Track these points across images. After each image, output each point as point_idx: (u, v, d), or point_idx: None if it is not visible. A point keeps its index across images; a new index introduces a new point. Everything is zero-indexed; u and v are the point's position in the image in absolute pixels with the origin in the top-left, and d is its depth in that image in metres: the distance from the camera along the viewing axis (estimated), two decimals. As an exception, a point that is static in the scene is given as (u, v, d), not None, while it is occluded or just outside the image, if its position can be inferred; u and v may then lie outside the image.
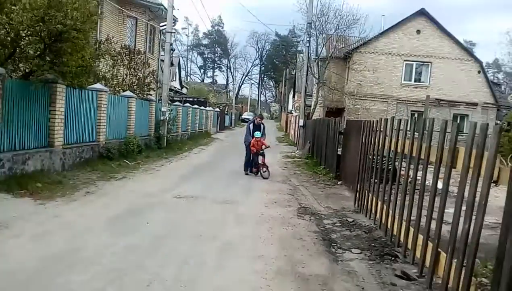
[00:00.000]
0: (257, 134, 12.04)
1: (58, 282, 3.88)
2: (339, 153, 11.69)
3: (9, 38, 8.28)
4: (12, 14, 7.92)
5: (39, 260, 4.42)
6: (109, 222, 6.10)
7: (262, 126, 12.50)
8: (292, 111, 37.69)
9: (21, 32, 8.26)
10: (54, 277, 3.99)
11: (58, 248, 4.84)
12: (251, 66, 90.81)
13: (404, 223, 5.28)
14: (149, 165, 12.44)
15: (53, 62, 8.78)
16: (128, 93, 14.65)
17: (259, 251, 5.21)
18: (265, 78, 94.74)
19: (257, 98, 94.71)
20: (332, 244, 5.71)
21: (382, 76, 24.85)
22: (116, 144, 12.64)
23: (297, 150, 21.99)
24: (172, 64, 19.33)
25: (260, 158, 11.84)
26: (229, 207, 7.64)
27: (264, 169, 11.73)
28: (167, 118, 17.44)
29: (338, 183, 11.13)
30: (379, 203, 6.49)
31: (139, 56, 18.01)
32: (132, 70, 17.19)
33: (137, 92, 16.52)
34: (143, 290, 3.85)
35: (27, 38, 8.48)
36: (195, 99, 34.20)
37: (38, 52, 8.67)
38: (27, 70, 9.03)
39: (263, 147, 12.04)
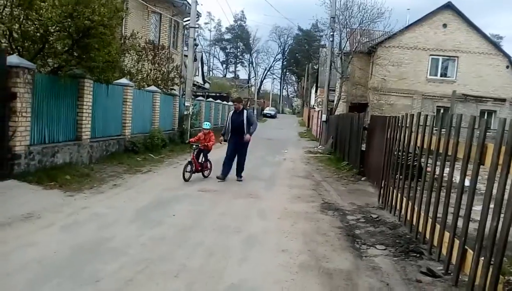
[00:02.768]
0: (206, 125, 10.03)
1: (88, 271, 4.00)
2: (363, 148, 11.59)
3: (38, 34, 8.49)
4: (41, 11, 8.12)
5: (69, 249, 4.57)
6: (136, 213, 6.23)
7: (245, 114, 9.72)
8: (315, 106, 37.50)
9: (50, 28, 8.45)
10: (84, 266, 4.13)
11: (87, 238, 4.99)
12: (273, 61, 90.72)
13: (430, 220, 5.23)
14: (173, 158, 12.60)
15: (80, 57, 8.98)
16: (152, 88, 14.86)
17: (283, 245, 5.25)
18: (287, 73, 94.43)
19: (279, 93, 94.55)
20: (356, 239, 5.70)
21: (407, 71, 24.45)
22: (141, 138, 12.86)
23: (319, 145, 21.88)
24: (195, 59, 19.44)
25: (198, 155, 9.47)
26: (252, 201, 7.69)
27: (206, 171, 9.74)
28: (191, 113, 17.60)
29: (362, 179, 11.05)
30: (404, 199, 6.43)
31: (163, 51, 18.20)
32: (156, 65, 17.40)
33: (161, 87, 16.72)
34: (171, 280, 3.94)
35: (55, 34, 8.68)
36: (217, 94, 34.41)
37: (66, 48, 8.88)
38: (55, 66, 9.25)
39: (210, 144, 9.68)
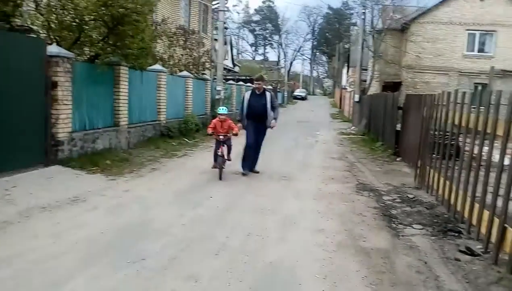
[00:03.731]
0: (222, 110, 8.26)
1: (134, 250, 4.21)
2: (398, 128, 11.42)
3: (74, 24, 8.73)
4: (77, 0, 8.34)
5: (115, 229, 4.81)
6: (175, 196, 6.44)
7: (268, 97, 8.19)
8: (346, 87, 36.95)
9: (85, 17, 8.67)
10: (130, 245, 4.34)
11: (131, 219, 5.22)
12: (303, 41, 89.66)
13: (468, 199, 5.17)
14: (207, 143, 12.79)
15: (116, 45, 9.19)
16: (185, 73, 15.06)
17: (320, 225, 5.32)
18: (317, 54, 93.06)
19: (309, 74, 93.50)
20: (393, 219, 5.70)
21: (442, 48, 23.66)
22: (175, 123, 13.12)
23: (352, 126, 21.66)
24: (224, 42, 19.48)
25: (221, 148, 7.83)
26: (287, 183, 7.78)
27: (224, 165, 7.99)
28: (222, 97, 17.73)
29: (397, 159, 10.93)
30: (442, 179, 6.35)
31: (194, 36, 18.32)
32: (187, 50, 17.54)
33: (193, 72, 16.89)
34: (212, 258, 4.10)
35: (91, 23, 8.90)
36: (247, 78, 34.35)
37: (102, 36, 9.10)
38: (92, 54, 9.52)
39: (231, 132, 8.02)
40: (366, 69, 26.91)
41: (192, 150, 11.24)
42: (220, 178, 7.66)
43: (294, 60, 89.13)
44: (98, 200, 5.99)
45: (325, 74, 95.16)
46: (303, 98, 58.63)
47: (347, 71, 42.80)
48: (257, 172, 8.34)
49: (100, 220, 5.17)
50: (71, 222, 4.99)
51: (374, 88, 24.33)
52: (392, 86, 23.67)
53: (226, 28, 19.35)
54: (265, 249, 4.44)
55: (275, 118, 8.25)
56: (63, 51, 7.82)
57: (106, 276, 3.63)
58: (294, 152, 11.86)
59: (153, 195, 6.41)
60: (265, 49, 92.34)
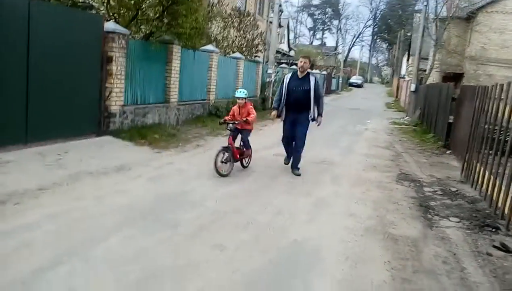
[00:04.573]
0: (240, 93, 6.85)
1: (169, 217, 4.47)
2: (451, 120, 10.98)
3: (132, 2, 9.11)
4: (136, -22, 8.69)
5: (154, 197, 5.10)
6: (213, 172, 6.66)
7: (312, 81, 6.81)
8: (405, 76, 35.64)
9: (142, -5, 9.05)
10: (166, 212, 4.61)
11: (170, 189, 5.50)
12: (363, 27, 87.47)
13: (510, 195, 4.96)
14: (254, 124, 12.93)
15: (170, 24, 9.49)
16: (237, 54, 15.23)
17: (352, 210, 5.33)
18: (377, 40, 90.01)
19: (368, 62, 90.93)
20: (429, 210, 5.58)
21: (510, 39, 22.17)
22: (224, 103, 13.37)
23: (406, 116, 20.97)
24: (280, 26, 19.45)
25: (230, 139, 6.61)
26: (326, 167, 7.78)
27: (246, 160, 7.09)
28: (273, 80, 17.79)
29: (447, 152, 10.54)
30: (487, 173, 6.11)
31: (249, 18, 18.42)
32: (241, 32, 17.70)
33: (245, 54, 17.04)
34: (239, 231, 4.26)
35: (147, 1, 9.25)
36: (302, 62, 34.06)
37: (157, 15, 9.44)
38: (147, 32, 9.90)
39: (250, 118, 6.75)
40: (426, 59, 25.81)
41: (238, 130, 11.46)
42: (220, 174, 6.23)
43: (352, 46, 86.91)
44: (142, 170, 6.33)
45: (385, 62, 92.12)
46: (359, 86, 57.23)
47: (407, 60, 41.23)
48: (298, 174, 6.86)
49: (141, 188, 5.49)
50: (115, 187, 5.34)
51: (433, 78, 23.32)
52: (452, 78, 22.58)
53: (281, 11, 19.25)
54: (292, 227, 4.54)
55: (320, 114, 6.92)
56: (119, 28, 8.20)
57: (139, 237, 3.90)
58: (340, 139, 11.74)
59: (193, 169, 6.68)
60: (323, 34, 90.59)
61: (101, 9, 9.19)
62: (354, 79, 60.40)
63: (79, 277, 3.12)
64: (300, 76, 6.89)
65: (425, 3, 20.96)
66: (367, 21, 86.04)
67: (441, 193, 6.58)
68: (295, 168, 7.01)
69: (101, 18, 8.25)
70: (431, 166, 8.87)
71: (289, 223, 4.65)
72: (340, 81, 47.29)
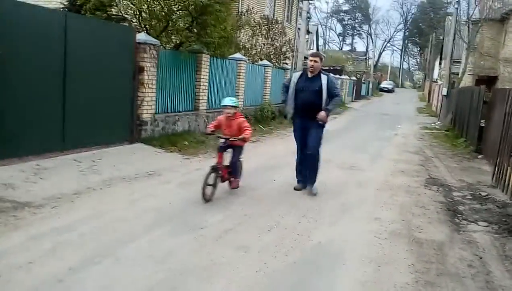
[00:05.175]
0: (228, 101, 5.62)
1: (195, 220, 4.62)
2: (482, 124, 10.74)
3: (163, 13, 9.44)
4: (166, -10, 9.01)
5: (182, 202, 5.29)
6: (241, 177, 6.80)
7: (324, 81, 5.83)
8: (437, 80, 34.91)
9: (173, 7, 9.34)
10: (192, 216, 4.76)
11: (197, 194, 5.60)
12: (394, 31, 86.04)
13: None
14: (281, 130, 13.06)
15: (199, 34, 9.75)
16: (265, 62, 15.41)
17: (377, 214, 5.34)
18: (408, 44, 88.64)
19: (399, 66, 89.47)
20: (457, 215, 5.53)
21: (547, 40, 21.39)
22: (252, 110, 13.55)
23: (437, 121, 20.59)
24: (308, 32, 19.54)
25: (221, 157, 5.58)
26: (353, 172, 7.79)
27: (234, 180, 5.83)
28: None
29: (478, 156, 10.32)
30: (518, 177, 5.99)
31: (277, 26, 18.60)
32: (269, 39, 17.88)
33: (273, 61, 17.20)
34: (264, 233, 4.37)
35: (178, 13, 9.55)
36: (330, 68, 34.00)
37: (187, 25, 9.72)
38: (177, 42, 10.20)
39: (246, 134, 5.58)
40: (459, 62, 25.24)
41: (265, 137, 11.59)
42: (205, 199, 5.22)
43: (383, 51, 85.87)
44: (172, 175, 6.55)
45: (416, 67, 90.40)
46: (389, 91, 56.39)
47: (440, 64, 40.37)
48: (314, 194, 5.95)
49: (170, 192, 5.69)
50: (145, 192, 5.56)
51: (466, 82, 22.77)
52: (486, 81, 21.94)
53: (309, 18, 19.34)
54: (317, 230, 4.60)
55: (327, 109, 5.82)
56: (150, 39, 8.51)
57: (166, 239, 4.08)
58: (368, 144, 11.68)
59: (221, 174, 6.84)
60: (353, 39, 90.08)
61: (134, 21, 9.56)
62: (385, 84, 59.58)
63: (111, 276, 3.31)
64: (310, 76, 5.94)
65: (456, 6, 20.61)
66: (398, 25, 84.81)
67: (470, 197, 6.48)
68: (310, 184, 6.06)
69: (133, 29, 8.59)
70: (461, 170, 8.73)
71: (314, 226, 4.72)
72: (370, 87, 46.79)
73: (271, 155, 8.91)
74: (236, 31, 13.42)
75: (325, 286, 3.39)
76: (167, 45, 10.27)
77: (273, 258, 3.80)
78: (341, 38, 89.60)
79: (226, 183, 5.81)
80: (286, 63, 18.79)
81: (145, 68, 8.41)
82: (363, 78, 44.92)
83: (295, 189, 6.22)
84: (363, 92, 40.88)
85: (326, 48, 75.08)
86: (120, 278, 3.28)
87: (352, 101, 33.59)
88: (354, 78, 37.22)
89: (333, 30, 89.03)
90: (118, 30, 8.23)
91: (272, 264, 3.69)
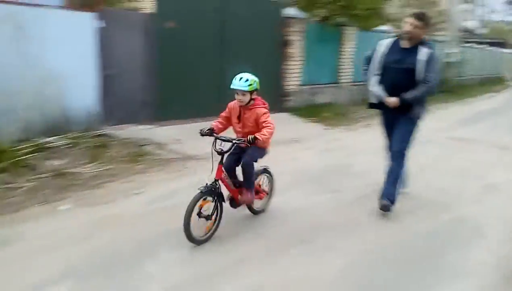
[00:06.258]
0: (240, 82, 3.60)
1: (333, 183, 5.02)
2: None
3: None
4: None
5: (322, 166, 5.78)
6: (376, 148, 6.86)
7: (423, 54, 3.93)
8: None
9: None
10: (331, 180, 5.19)
11: (335, 161, 6.09)
12: None
13: None
14: (441, 103, 12.46)
15: (345, 6, 9.82)
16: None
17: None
18: None
19: None
20: None
21: None
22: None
23: None
24: (466, 1, 17.84)
25: (220, 172, 3.50)
26: (503, 154, 7.22)
27: (259, 198, 4.00)
28: (454, 60, 16.56)
29: None
30: None
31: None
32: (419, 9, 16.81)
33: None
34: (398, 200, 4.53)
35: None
36: (494, 41, 30.36)
37: (333, -1, 9.85)
38: (323, 16, 10.42)
39: (263, 135, 3.44)
40: None
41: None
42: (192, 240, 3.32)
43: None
44: (313, 143, 7.05)
45: None
46: None
47: None
48: (387, 209, 4.13)
49: (311, 157, 6.20)
50: (288, 155, 6.14)
51: None
52: None
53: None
54: (455, 204, 4.59)
55: (404, 98, 4.00)
56: (296, 13, 8.93)
57: (303, 197, 4.57)
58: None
59: (358, 146, 7.10)
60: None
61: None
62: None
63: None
64: (405, 46, 4.10)
65: None
66: None
67: None
68: (384, 196, 4.18)
69: (280, 5, 9.12)
70: None
71: (454, 200, 4.71)
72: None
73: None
74: (383, 2, 13.00)
75: (461, 257, 3.47)
76: (312, 18, 10.57)
77: (406, 224, 4.00)
78: (510, 6, 78.33)
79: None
80: (440, 35, 17.51)
81: (292, 42, 8.90)
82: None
83: (382, 209, 4.15)
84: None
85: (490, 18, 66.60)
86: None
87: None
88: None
89: (500, -3, 78.05)
90: (267, 6, 8.84)
91: (407, 228, 3.91)
